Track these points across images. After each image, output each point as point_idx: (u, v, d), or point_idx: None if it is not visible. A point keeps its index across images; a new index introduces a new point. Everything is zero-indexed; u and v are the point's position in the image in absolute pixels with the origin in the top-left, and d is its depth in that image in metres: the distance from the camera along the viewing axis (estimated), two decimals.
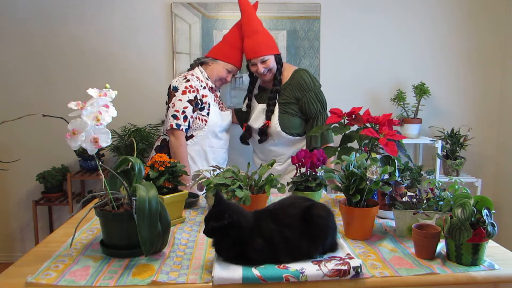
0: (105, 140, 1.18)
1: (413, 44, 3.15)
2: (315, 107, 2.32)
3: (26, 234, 3.24)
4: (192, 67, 2.44)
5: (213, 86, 2.38)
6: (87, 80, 3.02)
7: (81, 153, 2.96)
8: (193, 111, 2.22)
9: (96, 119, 1.16)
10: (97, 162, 1.30)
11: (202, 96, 2.25)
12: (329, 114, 1.90)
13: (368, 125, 1.72)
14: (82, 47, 3.06)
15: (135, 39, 3.07)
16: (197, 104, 2.23)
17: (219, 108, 2.40)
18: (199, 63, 2.41)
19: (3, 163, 1.39)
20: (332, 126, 1.78)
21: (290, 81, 2.35)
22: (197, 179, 1.76)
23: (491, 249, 1.30)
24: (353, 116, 1.74)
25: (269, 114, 2.34)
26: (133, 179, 1.31)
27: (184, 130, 2.22)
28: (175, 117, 2.19)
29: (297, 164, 1.72)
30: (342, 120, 1.76)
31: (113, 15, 3.04)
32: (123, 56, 3.07)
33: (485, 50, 3.18)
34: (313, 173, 1.70)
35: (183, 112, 2.19)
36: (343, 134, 1.75)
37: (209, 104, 2.29)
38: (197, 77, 2.30)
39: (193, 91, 2.21)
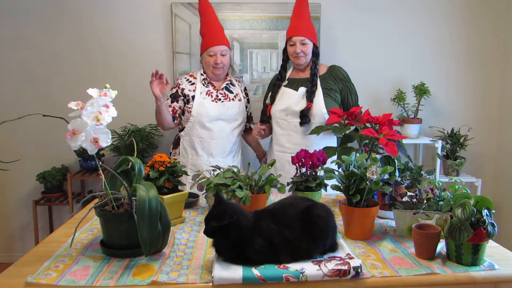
0: (105, 140, 1.18)
1: (413, 44, 3.15)
2: (353, 98, 2.42)
3: (26, 234, 3.24)
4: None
5: (208, 79, 2.52)
6: (87, 80, 3.03)
7: (81, 153, 2.96)
8: (172, 102, 2.47)
9: (96, 119, 1.16)
10: (97, 162, 1.30)
11: (182, 89, 2.47)
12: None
13: (368, 125, 1.72)
14: (82, 47, 3.06)
15: (135, 39, 3.06)
16: (176, 97, 2.48)
17: (215, 99, 2.48)
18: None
19: (3, 163, 1.38)
20: (332, 126, 1.78)
21: (330, 72, 2.45)
22: (197, 179, 1.76)
23: (491, 249, 1.30)
24: (353, 116, 1.74)
25: (312, 96, 2.34)
26: (133, 179, 1.31)
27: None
28: None
29: (297, 164, 1.72)
30: (342, 120, 1.76)
31: (113, 15, 3.03)
32: (123, 56, 3.07)
33: (485, 50, 3.18)
34: (313, 173, 1.70)
35: (167, 104, 2.45)
36: (343, 134, 1.75)
37: (192, 96, 2.45)
38: (191, 75, 2.54)
39: (175, 87, 2.50)
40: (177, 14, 3.02)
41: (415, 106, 3.02)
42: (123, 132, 2.96)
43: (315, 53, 2.42)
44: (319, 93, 2.36)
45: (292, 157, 1.73)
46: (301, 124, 2.34)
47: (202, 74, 2.52)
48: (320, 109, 2.34)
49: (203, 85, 2.49)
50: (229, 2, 3.03)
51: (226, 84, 2.56)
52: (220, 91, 2.52)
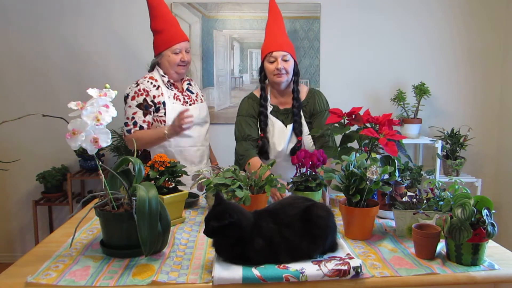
0: (105, 140, 1.18)
1: (413, 44, 3.15)
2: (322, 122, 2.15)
3: (26, 234, 3.24)
4: (151, 68, 2.28)
5: (172, 81, 2.21)
6: (87, 80, 3.03)
7: (81, 153, 2.96)
8: (145, 115, 2.11)
9: (96, 119, 1.16)
10: (97, 162, 1.30)
11: (153, 96, 2.12)
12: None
13: (368, 125, 1.71)
14: (82, 47, 3.06)
15: (135, 39, 3.07)
16: (147, 107, 2.11)
17: (184, 103, 2.21)
18: (152, 65, 2.26)
19: (3, 163, 1.39)
20: (332, 126, 1.78)
21: (310, 100, 2.19)
22: (197, 179, 1.76)
23: (491, 249, 1.30)
24: (353, 116, 1.74)
25: (300, 130, 2.13)
26: (133, 179, 1.31)
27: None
28: (126, 124, 2.12)
29: (297, 164, 1.72)
30: (342, 120, 1.76)
31: (113, 15, 3.04)
32: (123, 56, 3.08)
33: (485, 50, 3.18)
34: (313, 173, 1.70)
35: (133, 118, 2.10)
36: (343, 134, 1.75)
37: (163, 103, 2.14)
38: (150, 77, 2.17)
39: (141, 94, 2.11)
40: (177, 14, 3.02)
41: (415, 106, 3.02)
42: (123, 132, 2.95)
43: (296, 72, 2.15)
44: (303, 121, 2.16)
45: (292, 157, 1.72)
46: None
47: (163, 76, 2.19)
48: (307, 140, 2.15)
49: (168, 88, 2.18)
50: (229, 2, 3.03)
51: (187, 84, 2.30)
52: (185, 93, 2.26)
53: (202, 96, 2.37)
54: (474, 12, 3.13)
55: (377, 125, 1.69)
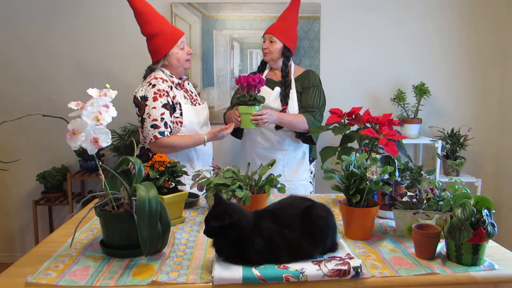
0: (105, 140, 1.18)
1: (413, 44, 3.15)
2: (314, 101, 2.41)
3: (26, 234, 3.24)
4: (149, 72, 2.22)
5: (179, 81, 2.22)
6: (87, 80, 3.03)
7: (81, 153, 2.96)
8: (171, 115, 2.09)
9: (96, 119, 1.16)
10: (97, 162, 1.30)
11: (173, 97, 2.11)
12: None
13: (368, 125, 1.72)
14: (82, 47, 3.06)
15: (135, 39, 3.06)
16: (172, 108, 2.10)
17: (192, 103, 2.23)
18: (151, 70, 2.22)
19: (3, 163, 1.39)
20: (332, 126, 1.78)
21: (304, 75, 2.47)
22: (197, 179, 1.76)
23: (491, 249, 1.30)
24: (353, 116, 1.74)
25: (286, 99, 2.40)
26: (133, 179, 1.31)
27: (168, 136, 2.08)
28: (155, 126, 2.04)
29: (239, 85, 2.14)
30: (342, 120, 1.76)
31: (113, 15, 3.03)
32: (123, 56, 3.07)
33: (485, 50, 3.18)
34: (250, 91, 2.14)
35: (162, 119, 2.05)
36: (343, 134, 1.75)
37: (179, 103, 2.12)
38: (161, 78, 2.12)
39: (163, 95, 2.06)
40: (177, 14, 3.02)
41: (415, 106, 3.02)
42: (123, 132, 2.95)
43: (286, 55, 2.43)
44: (293, 95, 2.41)
45: (236, 79, 2.14)
46: (277, 128, 2.41)
47: (171, 76, 2.17)
48: (294, 111, 2.39)
49: (177, 88, 2.18)
50: (229, 2, 3.03)
51: (187, 83, 2.31)
52: (189, 93, 2.27)
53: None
54: (474, 12, 3.13)
55: (377, 125, 1.69)
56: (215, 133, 2.15)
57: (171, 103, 2.09)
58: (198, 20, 3.05)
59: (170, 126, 2.07)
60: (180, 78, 2.25)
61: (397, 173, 1.57)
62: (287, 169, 2.45)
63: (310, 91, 2.41)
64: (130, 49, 3.06)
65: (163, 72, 2.18)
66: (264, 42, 2.46)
